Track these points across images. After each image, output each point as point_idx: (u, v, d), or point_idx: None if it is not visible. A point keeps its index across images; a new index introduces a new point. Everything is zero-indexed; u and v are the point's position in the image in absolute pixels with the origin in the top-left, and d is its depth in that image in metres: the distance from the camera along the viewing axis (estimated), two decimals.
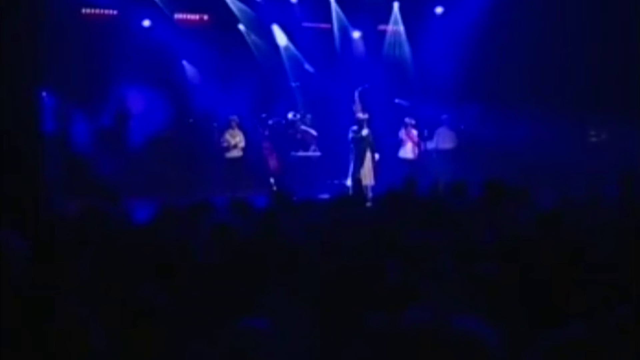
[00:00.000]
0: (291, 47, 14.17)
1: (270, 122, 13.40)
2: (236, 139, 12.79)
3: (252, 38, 14.06)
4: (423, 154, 12.71)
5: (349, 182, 11.59)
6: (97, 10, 12.94)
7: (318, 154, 13.28)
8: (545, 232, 3.61)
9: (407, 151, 12.61)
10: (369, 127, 11.79)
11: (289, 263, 2.83)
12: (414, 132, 12.63)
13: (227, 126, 12.85)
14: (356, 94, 12.03)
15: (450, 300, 2.44)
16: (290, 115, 13.46)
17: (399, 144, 12.67)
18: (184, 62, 13.74)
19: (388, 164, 12.14)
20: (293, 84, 13.99)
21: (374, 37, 14.55)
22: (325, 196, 9.63)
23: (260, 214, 4.88)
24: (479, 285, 2.70)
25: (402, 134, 12.64)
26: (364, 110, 11.91)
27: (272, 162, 13.24)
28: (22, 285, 2.66)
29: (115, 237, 3.75)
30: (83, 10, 12.82)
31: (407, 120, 12.68)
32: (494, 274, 2.81)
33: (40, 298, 2.46)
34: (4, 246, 2.74)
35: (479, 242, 3.34)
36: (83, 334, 2.10)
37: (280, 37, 14.13)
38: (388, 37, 14.62)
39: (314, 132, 13.38)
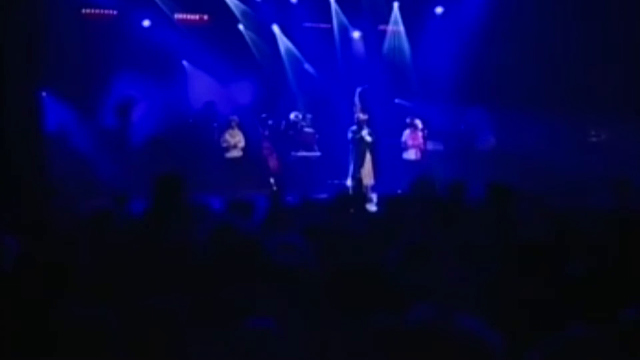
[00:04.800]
0: (291, 47, 14.18)
1: (270, 122, 13.40)
2: (236, 138, 12.79)
3: (252, 38, 14.07)
4: (428, 154, 12.72)
5: (349, 182, 11.59)
6: (97, 10, 12.94)
7: (318, 154, 13.28)
8: (548, 234, 3.62)
9: (411, 152, 12.61)
10: (369, 127, 11.79)
11: (292, 263, 2.84)
12: (419, 133, 12.62)
13: (227, 126, 12.86)
14: (357, 94, 12.02)
15: (452, 301, 2.45)
16: (292, 116, 13.46)
17: (404, 143, 12.66)
18: (184, 62, 13.75)
19: (390, 164, 12.14)
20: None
21: (374, 37, 14.54)
22: (325, 196, 9.64)
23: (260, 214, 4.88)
24: (480, 286, 2.71)
25: (406, 135, 12.63)
26: (363, 111, 11.90)
27: (272, 162, 13.24)
28: (24, 286, 2.67)
29: (120, 238, 3.75)
30: (83, 10, 12.82)
31: (408, 120, 12.68)
32: (496, 275, 2.82)
33: (43, 300, 2.47)
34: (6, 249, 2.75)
35: (481, 242, 3.35)
36: (86, 335, 2.10)
37: (280, 37, 14.14)
38: (388, 37, 14.62)
39: (311, 131, 13.39)
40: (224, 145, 12.74)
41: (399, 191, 7.45)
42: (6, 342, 2.23)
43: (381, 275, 2.39)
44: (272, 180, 12.69)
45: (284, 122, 13.44)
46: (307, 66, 14.16)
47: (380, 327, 2.00)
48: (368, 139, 11.73)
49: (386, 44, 14.63)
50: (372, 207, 8.20)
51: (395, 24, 14.50)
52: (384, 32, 14.63)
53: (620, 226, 3.43)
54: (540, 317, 2.51)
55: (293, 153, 13.22)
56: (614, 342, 1.90)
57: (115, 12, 12.96)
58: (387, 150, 12.42)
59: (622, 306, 2.17)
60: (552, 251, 3.04)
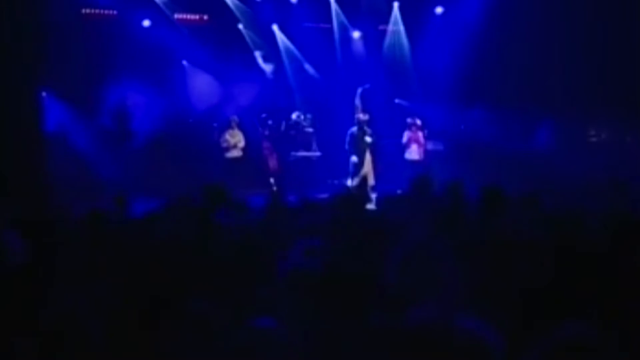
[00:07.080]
0: (291, 47, 14.19)
1: (270, 122, 13.41)
2: (236, 138, 12.80)
3: (252, 38, 14.08)
4: (428, 155, 12.73)
5: (349, 182, 11.59)
6: (97, 10, 12.95)
7: (318, 154, 13.29)
8: (545, 234, 3.62)
9: (413, 152, 12.61)
10: (369, 127, 11.77)
11: (291, 262, 2.84)
12: (420, 134, 12.61)
13: (227, 126, 12.86)
14: (358, 94, 11.99)
15: (451, 300, 2.45)
16: (294, 116, 13.46)
17: (405, 144, 12.65)
18: (184, 62, 13.76)
19: (392, 164, 12.13)
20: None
21: (374, 37, 14.55)
22: (325, 196, 9.68)
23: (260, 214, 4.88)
24: (479, 285, 2.71)
25: (407, 135, 12.64)
26: (364, 111, 11.89)
27: (272, 162, 13.24)
28: (23, 284, 2.67)
29: (117, 237, 3.76)
30: (83, 10, 12.83)
31: (409, 120, 12.65)
32: (495, 274, 2.82)
33: (41, 297, 2.47)
34: (6, 246, 2.75)
35: (479, 242, 3.35)
36: (81, 331, 2.10)
37: (280, 37, 14.15)
38: (388, 37, 14.63)
39: (311, 130, 13.39)
40: (224, 145, 12.75)
41: (399, 191, 7.45)
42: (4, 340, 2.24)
43: (381, 275, 2.39)
44: (272, 180, 12.70)
45: (284, 122, 13.45)
46: (307, 66, 14.17)
47: (380, 327, 2.01)
48: (368, 139, 11.71)
49: (386, 44, 14.64)
50: (371, 207, 8.20)
51: (395, 24, 14.51)
52: (384, 32, 14.64)
53: (619, 226, 3.43)
54: (540, 317, 2.51)
55: (293, 153, 13.22)
56: (611, 339, 1.90)
57: (115, 12, 12.97)
58: (388, 150, 12.42)
59: (619, 304, 2.17)
60: (548, 250, 3.05)
